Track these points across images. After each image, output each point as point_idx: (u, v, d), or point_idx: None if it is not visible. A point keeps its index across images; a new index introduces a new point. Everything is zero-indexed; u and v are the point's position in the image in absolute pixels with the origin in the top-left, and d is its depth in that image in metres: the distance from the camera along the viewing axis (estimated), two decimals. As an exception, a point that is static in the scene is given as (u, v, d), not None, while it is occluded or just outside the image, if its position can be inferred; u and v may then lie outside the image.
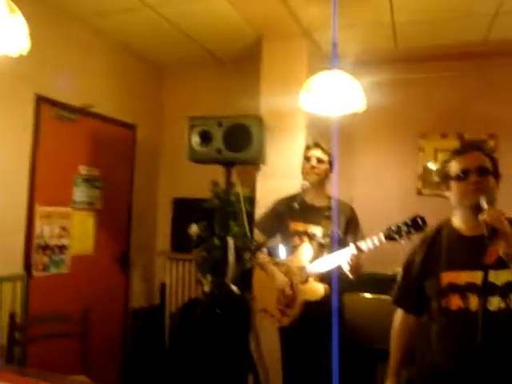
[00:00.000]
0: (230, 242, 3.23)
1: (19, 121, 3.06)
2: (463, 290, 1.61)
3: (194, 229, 3.72)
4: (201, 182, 3.91)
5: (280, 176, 3.40)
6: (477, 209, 1.54)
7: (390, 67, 3.69)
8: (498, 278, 1.54)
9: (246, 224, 3.41)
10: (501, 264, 1.47)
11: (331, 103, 2.49)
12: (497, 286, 1.55)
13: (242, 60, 4.01)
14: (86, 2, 3.18)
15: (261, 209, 3.28)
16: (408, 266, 1.84)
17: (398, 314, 1.90)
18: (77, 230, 3.52)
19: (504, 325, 1.52)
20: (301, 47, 3.43)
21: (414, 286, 1.80)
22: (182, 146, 4.08)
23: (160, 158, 4.54)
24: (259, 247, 2.58)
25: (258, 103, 3.52)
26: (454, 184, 1.67)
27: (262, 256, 2.72)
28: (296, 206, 2.67)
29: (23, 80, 2.99)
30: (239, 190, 3.46)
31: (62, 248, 3.38)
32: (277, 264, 2.70)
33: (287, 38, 3.38)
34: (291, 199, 2.81)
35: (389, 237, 2.21)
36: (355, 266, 2.37)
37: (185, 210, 4.21)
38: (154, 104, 4.47)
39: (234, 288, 2.49)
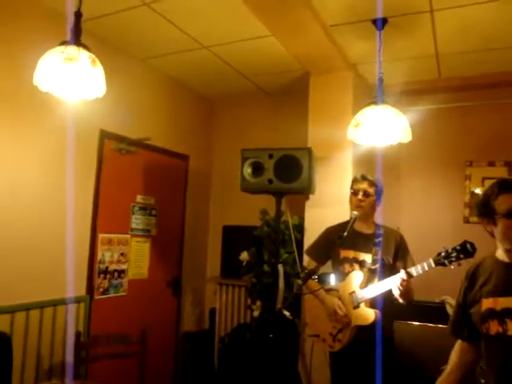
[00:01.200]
0: (280, 268, 3.34)
1: (86, 154, 3.31)
2: (501, 316, 1.66)
3: (244, 255, 3.85)
4: (249, 211, 4.07)
5: (328, 205, 3.51)
6: None
7: (434, 97, 3.74)
8: None
9: (296, 251, 3.52)
10: None
11: (378, 136, 2.62)
12: None
13: (290, 93, 4.20)
14: (146, 45, 3.46)
15: (309, 236, 3.39)
16: (457, 300, 1.91)
17: (457, 344, 1.95)
18: (134, 256, 3.73)
19: None
20: (347, 80, 3.57)
21: (463, 316, 1.86)
22: (232, 176, 4.28)
23: (210, 187, 4.74)
24: (311, 274, 2.67)
25: (305, 135, 3.67)
26: (501, 221, 1.70)
27: (314, 283, 2.80)
28: (342, 234, 2.76)
29: (90, 116, 3.24)
30: (288, 218, 3.58)
31: (120, 272, 3.59)
32: (328, 290, 2.79)
33: (334, 72, 3.53)
34: (341, 227, 2.91)
35: (438, 262, 2.28)
36: (405, 290, 2.43)
37: (234, 237, 4.36)
38: (206, 136, 4.71)
39: (286, 313, 2.58)
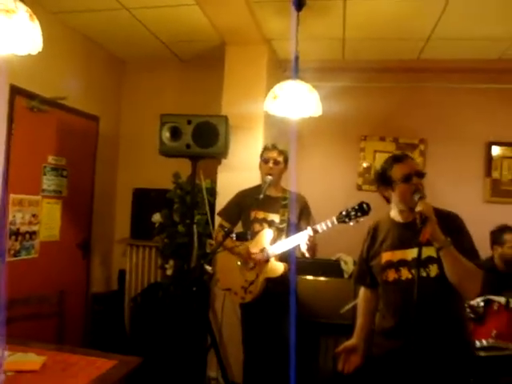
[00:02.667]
0: (194, 229, 3.55)
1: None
2: (397, 265, 2.06)
3: (157, 217, 3.98)
4: (160, 174, 4.20)
5: (239, 170, 3.75)
6: (413, 203, 1.98)
7: (337, 76, 4.12)
8: (423, 253, 1.99)
9: (208, 213, 3.74)
10: (426, 242, 1.90)
11: (292, 109, 2.89)
12: (421, 260, 2.00)
13: (205, 62, 4.31)
14: (60, 0, 3.35)
15: (221, 199, 3.63)
16: (361, 254, 2.29)
17: (361, 291, 2.36)
18: (45, 217, 3.68)
19: (425, 289, 1.89)
20: (262, 54, 3.79)
21: (366, 268, 2.25)
22: (144, 139, 4.36)
23: (120, 149, 4.74)
24: (229, 233, 2.92)
25: (219, 103, 3.84)
26: (398, 186, 2.07)
27: (228, 241, 3.05)
28: (258, 197, 3.04)
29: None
30: (202, 181, 3.77)
31: (32, 234, 3.54)
32: (241, 247, 3.07)
33: (250, 45, 3.73)
34: (251, 191, 3.20)
35: (340, 220, 2.63)
36: (311, 245, 2.79)
37: (145, 199, 4.45)
38: (117, 98, 4.68)
39: (208, 267, 2.81)
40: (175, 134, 3.33)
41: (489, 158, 4.19)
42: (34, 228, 3.56)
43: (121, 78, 4.72)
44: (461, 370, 1.93)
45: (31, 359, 1.96)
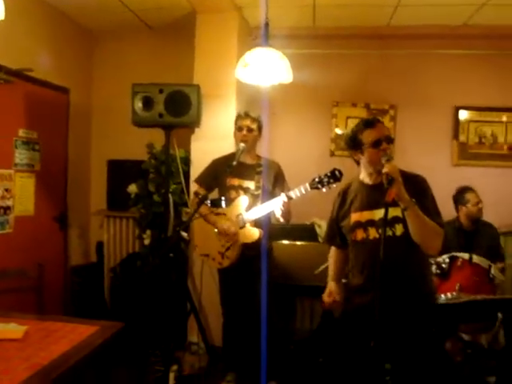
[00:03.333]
0: (170, 198, 3.59)
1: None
2: (365, 225, 2.17)
3: (132, 188, 4.00)
4: (134, 145, 4.20)
5: (213, 139, 3.78)
6: (380, 165, 2.07)
7: (308, 43, 4.14)
8: (389, 213, 2.08)
9: (183, 182, 3.78)
10: (393, 203, 2.00)
11: (263, 76, 2.91)
12: (387, 220, 2.10)
13: (175, 30, 4.25)
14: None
15: (195, 168, 3.68)
16: (331, 215, 2.40)
17: (332, 251, 2.48)
18: (19, 192, 3.66)
19: (391, 247, 2.00)
20: (233, 21, 3.77)
21: (336, 228, 2.35)
22: (116, 110, 4.32)
23: (92, 121, 4.70)
24: (203, 199, 2.96)
25: (190, 72, 3.82)
26: (367, 150, 2.16)
27: (204, 208, 3.10)
28: (231, 164, 3.08)
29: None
30: (176, 151, 3.78)
31: (6, 209, 3.52)
32: (217, 214, 3.12)
33: (220, 13, 3.70)
34: (226, 159, 3.24)
35: (313, 186, 2.70)
36: (286, 211, 2.87)
37: (119, 171, 4.44)
38: (87, 69, 4.61)
39: (184, 234, 2.87)
40: (147, 103, 3.32)
41: (456, 122, 4.30)
42: (8, 203, 3.55)
43: (90, 48, 4.64)
44: (423, 320, 2.06)
45: (13, 328, 2.00)
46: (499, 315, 2.83)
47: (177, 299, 3.64)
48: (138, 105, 3.33)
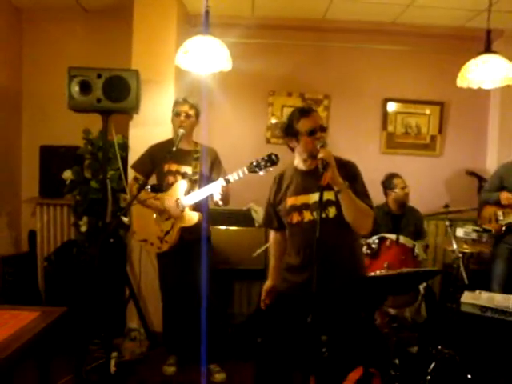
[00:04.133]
0: (108, 184, 3.55)
1: None
2: (300, 209, 2.30)
3: (67, 174, 3.90)
4: (68, 131, 4.10)
5: (151, 125, 3.78)
6: (316, 151, 2.19)
7: (247, 33, 4.18)
8: (323, 197, 2.22)
9: (121, 168, 3.74)
10: (327, 187, 2.12)
11: (203, 63, 2.95)
12: (322, 203, 2.24)
13: (111, 14, 4.17)
14: None
15: (133, 154, 3.66)
16: (268, 199, 2.50)
17: (271, 234, 2.58)
18: None
19: (325, 229, 2.09)
20: (171, 7, 3.77)
21: (273, 212, 2.46)
22: (49, 94, 4.19)
23: (24, 105, 4.51)
24: (143, 185, 2.98)
25: (127, 56, 3.78)
26: (303, 138, 2.27)
27: (143, 193, 3.11)
28: (171, 150, 3.11)
29: None
30: (113, 137, 3.74)
31: None
32: (156, 199, 3.15)
33: (159, -1, 3.69)
34: (164, 144, 3.28)
35: (250, 170, 2.81)
36: (225, 195, 2.96)
37: (53, 157, 4.30)
38: (14, 50, 4.39)
39: (125, 219, 2.87)
40: (85, 88, 3.24)
41: (384, 113, 4.58)
42: None
43: (20, 28, 4.42)
44: (355, 295, 2.23)
45: None
46: (421, 290, 3.12)
47: (115, 286, 3.62)
48: (75, 89, 3.24)
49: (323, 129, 2.31)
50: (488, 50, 3.04)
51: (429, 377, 2.79)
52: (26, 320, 1.99)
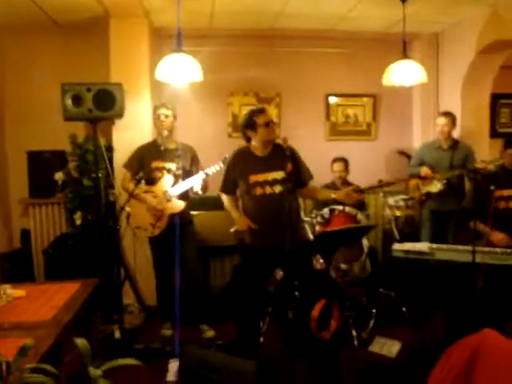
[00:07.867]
0: (102, 181, 4.13)
1: None
2: (262, 184, 3.08)
3: (60, 175, 4.42)
4: (54, 136, 4.58)
5: (131, 128, 4.37)
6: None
7: (208, 42, 4.78)
8: (271, 176, 3.07)
9: (109, 167, 4.31)
10: (275, 168, 2.99)
11: (179, 76, 3.59)
12: (269, 181, 3.07)
13: (86, 31, 4.63)
14: None
15: (118, 155, 4.27)
16: (228, 172, 3.26)
17: (224, 197, 3.36)
18: None
19: (274, 200, 3.03)
20: (143, 25, 4.36)
21: (232, 182, 3.23)
22: (30, 104, 4.65)
23: (6, 114, 4.89)
24: (139, 181, 3.61)
25: (99, 70, 4.36)
26: (261, 130, 3.05)
27: (135, 187, 3.70)
28: (155, 149, 3.75)
29: None
30: (100, 140, 4.29)
31: None
32: (146, 192, 3.77)
33: (132, 18, 4.24)
34: (150, 145, 3.91)
35: (224, 162, 3.46)
36: (205, 185, 3.67)
37: (40, 161, 4.72)
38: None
39: (128, 209, 3.50)
40: (76, 100, 3.80)
41: (327, 106, 5.40)
42: None
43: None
44: (302, 254, 3.07)
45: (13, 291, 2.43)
46: (365, 249, 3.92)
47: (111, 267, 4.20)
48: (68, 102, 3.79)
49: (273, 122, 3.17)
50: (404, 56, 3.91)
51: (374, 310, 3.65)
52: (72, 290, 2.53)
